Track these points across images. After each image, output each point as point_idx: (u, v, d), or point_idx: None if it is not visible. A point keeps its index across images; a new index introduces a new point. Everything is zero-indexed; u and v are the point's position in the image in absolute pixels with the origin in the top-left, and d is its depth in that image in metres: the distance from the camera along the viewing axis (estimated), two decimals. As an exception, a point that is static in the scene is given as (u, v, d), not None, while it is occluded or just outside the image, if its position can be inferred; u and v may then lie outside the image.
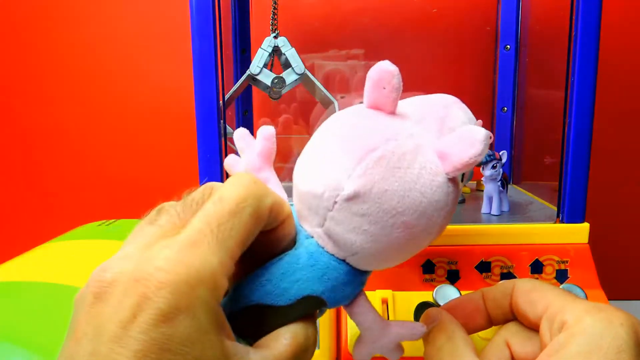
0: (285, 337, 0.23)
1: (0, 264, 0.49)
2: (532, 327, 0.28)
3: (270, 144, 0.29)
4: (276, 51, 0.46)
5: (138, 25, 0.74)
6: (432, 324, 0.30)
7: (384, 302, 0.44)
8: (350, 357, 0.40)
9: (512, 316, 0.29)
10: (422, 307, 0.42)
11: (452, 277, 0.45)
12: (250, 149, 0.30)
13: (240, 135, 0.30)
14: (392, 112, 0.26)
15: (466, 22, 0.69)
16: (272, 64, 0.48)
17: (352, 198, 0.23)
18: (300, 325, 0.24)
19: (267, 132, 0.29)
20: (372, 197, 0.23)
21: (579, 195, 0.46)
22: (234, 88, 0.52)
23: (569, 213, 0.46)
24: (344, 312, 0.43)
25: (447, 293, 0.41)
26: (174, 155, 0.75)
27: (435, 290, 0.42)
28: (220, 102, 0.45)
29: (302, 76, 0.46)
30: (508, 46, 0.66)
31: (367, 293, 0.44)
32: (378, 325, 0.28)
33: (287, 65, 0.46)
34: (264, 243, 0.24)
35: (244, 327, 0.24)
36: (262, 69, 0.48)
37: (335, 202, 0.24)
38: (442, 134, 0.26)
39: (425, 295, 0.44)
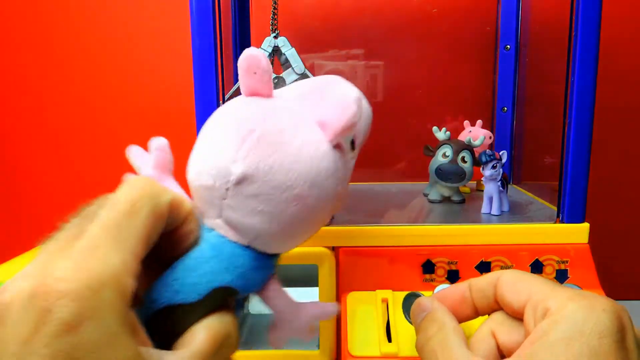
0: (200, 332, 0.23)
1: (0, 264, 0.49)
2: (517, 316, 0.28)
3: (163, 154, 0.30)
4: (276, 51, 0.46)
5: (138, 25, 0.74)
6: (423, 314, 0.30)
7: (384, 301, 0.44)
8: (351, 358, 0.40)
9: (497, 307, 0.29)
10: (409, 297, 0.42)
11: (452, 277, 0.45)
12: (145, 165, 0.30)
13: (133, 154, 0.30)
14: (269, 95, 0.27)
15: (466, 22, 0.69)
16: (272, 64, 0.48)
17: (241, 181, 0.24)
18: (214, 316, 0.24)
19: (158, 143, 0.29)
20: (259, 176, 0.24)
21: (579, 195, 0.46)
22: (234, 88, 0.51)
23: (569, 213, 0.46)
24: (343, 312, 0.43)
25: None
26: (174, 155, 0.75)
27: (434, 290, 0.42)
28: (220, 102, 0.45)
29: (302, 76, 0.46)
30: (508, 46, 0.66)
31: (367, 293, 0.44)
32: (291, 307, 0.28)
33: (287, 65, 0.46)
34: (170, 245, 0.24)
35: (159, 333, 0.23)
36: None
37: (227, 189, 0.24)
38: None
39: (426, 295, 0.44)
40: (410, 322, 0.39)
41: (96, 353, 0.18)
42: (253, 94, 0.26)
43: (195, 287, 0.24)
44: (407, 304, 0.41)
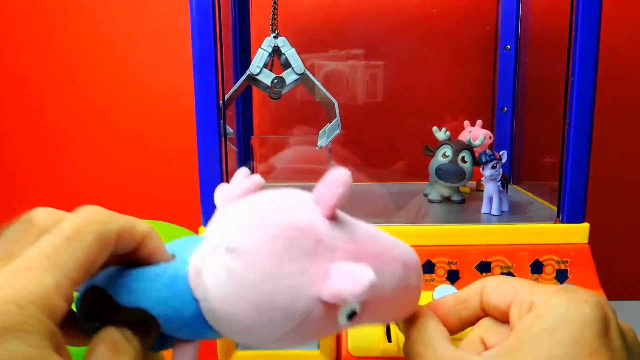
0: (100, 347, 0.23)
1: None
2: (504, 319, 0.28)
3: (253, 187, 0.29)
4: (276, 51, 0.46)
5: (138, 25, 0.74)
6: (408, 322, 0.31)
7: (384, 302, 0.44)
8: (351, 358, 0.40)
9: (483, 314, 0.30)
10: None
11: (452, 277, 0.45)
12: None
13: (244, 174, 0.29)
14: (331, 217, 0.26)
15: (466, 22, 0.69)
16: (272, 64, 0.48)
17: (231, 250, 0.24)
18: (123, 336, 0.24)
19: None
20: (244, 260, 0.23)
21: (579, 196, 0.46)
22: (234, 88, 0.52)
23: (569, 213, 0.46)
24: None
25: (447, 293, 0.41)
26: (174, 155, 0.75)
27: (434, 290, 0.42)
28: (220, 102, 0.45)
29: (302, 76, 0.46)
30: (508, 46, 0.66)
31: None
32: None
33: (287, 65, 0.46)
34: (138, 262, 0.26)
35: (88, 304, 0.25)
36: (262, 69, 0.48)
37: (219, 247, 0.24)
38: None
39: (425, 296, 0.44)
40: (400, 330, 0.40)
41: None
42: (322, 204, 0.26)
43: (129, 293, 0.25)
44: None
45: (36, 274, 0.20)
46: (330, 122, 0.47)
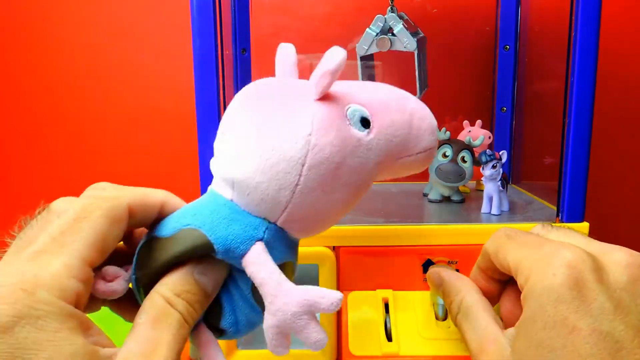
0: (142, 320, 0.23)
1: None
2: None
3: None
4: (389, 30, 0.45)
5: (138, 25, 0.74)
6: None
7: (385, 301, 0.44)
8: (351, 357, 0.40)
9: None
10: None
11: (453, 277, 0.45)
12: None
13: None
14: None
15: (466, 22, 0.69)
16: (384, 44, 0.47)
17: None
18: (164, 295, 0.24)
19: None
20: (226, 125, 0.28)
21: (579, 195, 0.46)
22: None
23: (568, 212, 0.46)
24: (344, 312, 0.43)
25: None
26: (174, 155, 0.75)
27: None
28: (221, 101, 0.45)
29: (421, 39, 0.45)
30: (507, 46, 0.66)
31: (368, 293, 0.44)
32: (274, 279, 0.25)
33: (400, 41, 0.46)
34: None
35: (144, 262, 0.25)
36: (367, 49, 0.48)
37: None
38: None
39: (426, 295, 0.44)
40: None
41: (38, 349, 0.19)
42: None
43: (169, 223, 0.26)
44: None
45: (43, 258, 0.21)
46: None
